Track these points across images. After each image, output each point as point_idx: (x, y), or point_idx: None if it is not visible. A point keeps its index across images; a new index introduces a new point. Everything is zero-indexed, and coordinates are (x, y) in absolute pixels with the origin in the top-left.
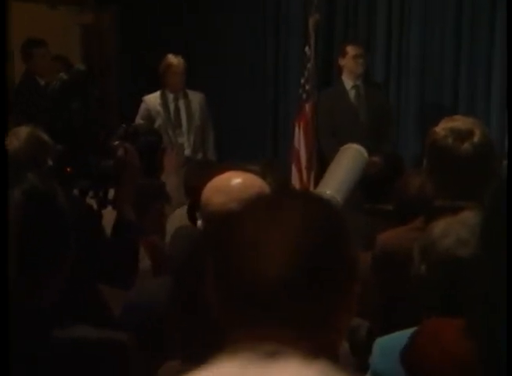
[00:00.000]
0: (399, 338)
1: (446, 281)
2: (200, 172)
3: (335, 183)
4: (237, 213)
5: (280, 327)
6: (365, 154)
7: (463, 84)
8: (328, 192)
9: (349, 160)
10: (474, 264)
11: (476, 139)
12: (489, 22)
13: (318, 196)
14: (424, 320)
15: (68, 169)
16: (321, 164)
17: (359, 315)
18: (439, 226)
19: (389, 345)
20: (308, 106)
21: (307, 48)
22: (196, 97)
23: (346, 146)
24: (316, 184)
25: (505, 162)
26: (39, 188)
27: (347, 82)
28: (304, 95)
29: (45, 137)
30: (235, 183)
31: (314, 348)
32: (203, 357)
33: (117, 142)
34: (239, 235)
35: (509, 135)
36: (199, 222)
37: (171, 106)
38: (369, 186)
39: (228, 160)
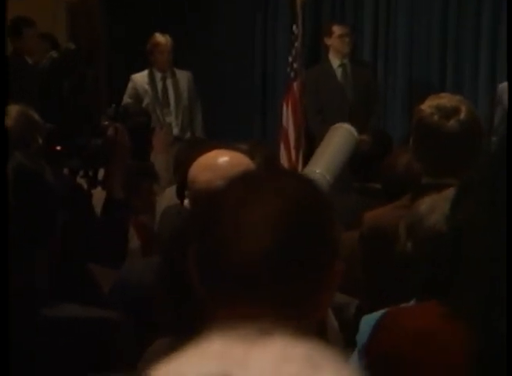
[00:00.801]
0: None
1: (433, 258)
2: (189, 151)
3: (325, 162)
4: (220, 191)
5: (264, 306)
6: (356, 134)
7: (450, 62)
8: (318, 171)
9: (339, 139)
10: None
11: (462, 116)
12: (476, 3)
13: (300, 175)
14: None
15: (58, 148)
16: (309, 142)
17: (348, 292)
18: (425, 203)
19: (373, 322)
20: (296, 85)
21: (294, 28)
22: (183, 76)
23: (336, 125)
24: (305, 163)
25: (494, 138)
26: (27, 166)
27: (334, 61)
28: (292, 74)
29: (36, 116)
30: (222, 161)
31: (298, 325)
32: (193, 334)
33: (106, 122)
34: (221, 213)
35: (508, 127)
36: (186, 201)
37: (159, 85)
38: (358, 165)
39: (216, 139)
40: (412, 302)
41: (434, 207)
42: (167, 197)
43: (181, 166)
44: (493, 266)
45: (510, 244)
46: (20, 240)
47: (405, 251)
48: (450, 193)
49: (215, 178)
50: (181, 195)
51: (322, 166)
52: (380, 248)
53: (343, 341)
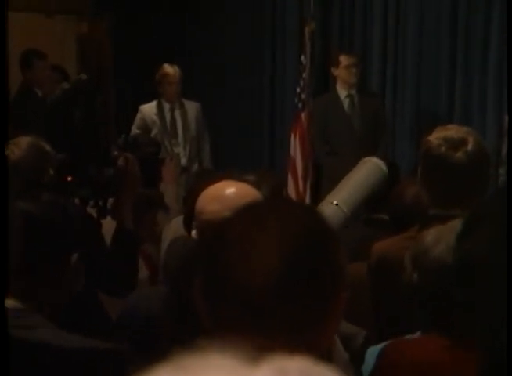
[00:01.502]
0: None
1: (438, 289)
2: (197, 182)
3: (344, 194)
4: (226, 221)
5: (270, 334)
6: (384, 168)
7: (459, 94)
8: (335, 202)
9: (364, 173)
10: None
11: (469, 147)
12: (484, 34)
13: (307, 206)
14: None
15: (69, 178)
16: (316, 173)
17: (356, 323)
18: (430, 235)
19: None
20: (303, 115)
21: (302, 58)
22: (192, 107)
23: (366, 158)
24: (312, 193)
25: (501, 170)
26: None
27: (341, 91)
28: (300, 105)
29: (47, 147)
30: (229, 192)
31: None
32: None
33: (116, 152)
34: (227, 243)
35: (509, 136)
36: (193, 232)
37: (167, 116)
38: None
39: (224, 170)
40: (417, 334)
41: (440, 238)
42: (173, 227)
43: (189, 197)
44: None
45: (511, 249)
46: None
47: (411, 282)
48: (456, 224)
49: (222, 209)
50: (188, 226)
51: (341, 198)
52: (387, 279)
53: (352, 372)
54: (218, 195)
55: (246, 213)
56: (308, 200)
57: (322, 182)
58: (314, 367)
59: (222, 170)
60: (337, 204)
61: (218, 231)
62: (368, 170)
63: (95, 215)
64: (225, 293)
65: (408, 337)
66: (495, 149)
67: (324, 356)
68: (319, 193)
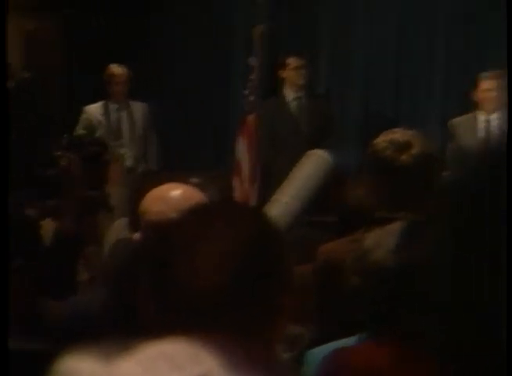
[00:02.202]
0: (328, 349)
1: (378, 293)
2: (143, 182)
3: (293, 190)
4: (173, 222)
5: (215, 335)
6: (330, 159)
7: (406, 97)
8: (285, 200)
9: (310, 166)
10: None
11: (414, 150)
12: (429, 38)
13: (252, 208)
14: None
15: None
16: (263, 175)
17: (300, 324)
18: (370, 238)
19: (319, 356)
20: (251, 118)
21: (251, 59)
22: (138, 107)
23: (309, 152)
24: (259, 196)
25: (445, 173)
26: None
27: (289, 94)
28: (248, 107)
29: None
30: (174, 194)
31: (248, 355)
32: None
33: (59, 152)
34: (174, 244)
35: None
36: (136, 235)
37: (113, 117)
38: (316, 199)
39: (171, 171)
40: (361, 336)
41: (380, 241)
42: (116, 229)
43: (134, 198)
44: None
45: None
46: None
47: (352, 285)
48: (395, 227)
49: (167, 211)
50: (133, 227)
51: (290, 194)
52: (332, 282)
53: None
54: (163, 196)
55: (192, 215)
56: (255, 203)
57: (270, 184)
58: (182, 351)
59: (169, 171)
60: (281, 200)
61: (164, 233)
62: (313, 162)
63: (34, 215)
64: (171, 295)
65: (351, 339)
66: (438, 152)
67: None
68: (266, 196)
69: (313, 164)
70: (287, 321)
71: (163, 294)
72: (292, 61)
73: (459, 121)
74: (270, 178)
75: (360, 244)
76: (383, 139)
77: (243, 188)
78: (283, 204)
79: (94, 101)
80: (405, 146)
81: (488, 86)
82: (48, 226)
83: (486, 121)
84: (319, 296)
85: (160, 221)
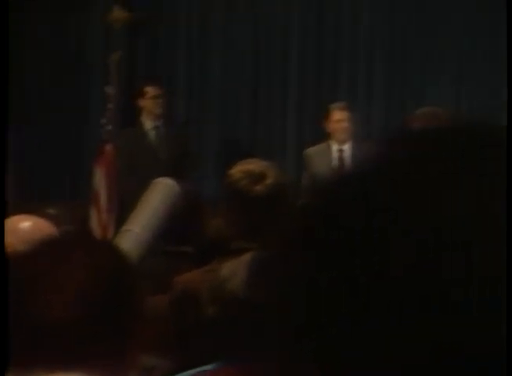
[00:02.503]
0: None
1: (233, 323)
2: None
3: (142, 220)
4: (23, 254)
5: (69, 367)
6: (176, 188)
7: (261, 128)
8: (136, 230)
9: (158, 194)
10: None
11: (269, 180)
12: (284, 69)
13: (105, 242)
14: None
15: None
16: (121, 205)
17: (157, 355)
18: (227, 268)
19: None
20: (108, 148)
21: (107, 87)
22: None
23: (156, 180)
24: (117, 226)
25: (301, 202)
26: None
27: (148, 123)
28: (105, 136)
29: None
30: (23, 226)
31: None
32: None
33: None
34: (25, 277)
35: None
36: None
37: None
38: (169, 228)
39: (27, 202)
40: (216, 364)
41: (235, 271)
42: None
43: None
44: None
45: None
46: None
47: (208, 315)
48: (247, 257)
49: (17, 242)
50: None
51: (139, 224)
52: (188, 312)
53: None
54: (12, 228)
55: (41, 248)
56: (112, 233)
57: (129, 214)
58: None
59: (25, 202)
60: (133, 230)
61: (14, 265)
62: (160, 191)
63: None
64: (25, 327)
65: (208, 366)
66: (295, 181)
67: None
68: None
69: (160, 193)
70: (141, 351)
71: (21, 329)
72: (150, 90)
73: (313, 151)
74: (128, 208)
75: (216, 274)
76: (238, 170)
77: (100, 218)
78: (134, 234)
79: None
80: (259, 177)
81: (339, 117)
82: None
83: (339, 150)
84: (176, 326)
85: (9, 254)
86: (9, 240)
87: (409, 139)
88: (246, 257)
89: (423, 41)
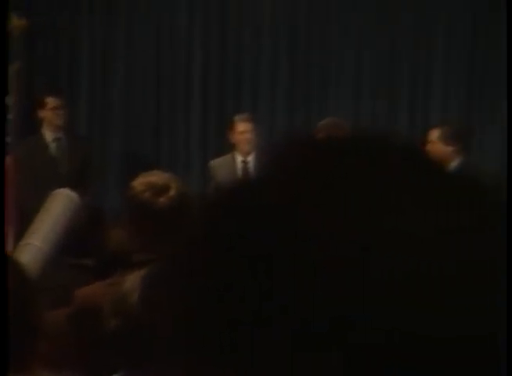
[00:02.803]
0: None
1: (135, 335)
2: None
3: (43, 233)
4: None
5: None
6: (77, 199)
7: (165, 140)
8: (36, 243)
9: (57, 206)
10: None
11: (172, 193)
12: (186, 87)
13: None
14: None
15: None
16: (21, 217)
17: (57, 369)
18: (130, 280)
19: None
20: (8, 160)
21: (7, 98)
22: None
23: (54, 191)
24: (17, 238)
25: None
26: None
27: (48, 134)
28: (6, 148)
29: None
30: None
31: None
32: None
33: None
34: None
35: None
36: None
37: None
38: (70, 241)
39: None
40: None
41: (136, 285)
42: None
43: None
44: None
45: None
46: None
47: (110, 328)
48: (144, 272)
49: None
50: None
51: (39, 238)
52: (89, 325)
53: None
54: None
55: None
56: (11, 246)
57: (28, 227)
58: None
59: None
60: (33, 244)
61: None
62: (61, 202)
63: None
64: None
65: None
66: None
67: None
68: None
69: (60, 205)
70: (42, 366)
71: None
72: (50, 100)
73: (218, 162)
74: (28, 221)
75: (118, 287)
76: (141, 182)
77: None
78: (34, 248)
79: None
80: (163, 189)
81: (242, 128)
82: None
83: (243, 161)
84: (77, 340)
85: None
86: None
87: (302, 147)
88: (144, 271)
89: (325, 54)
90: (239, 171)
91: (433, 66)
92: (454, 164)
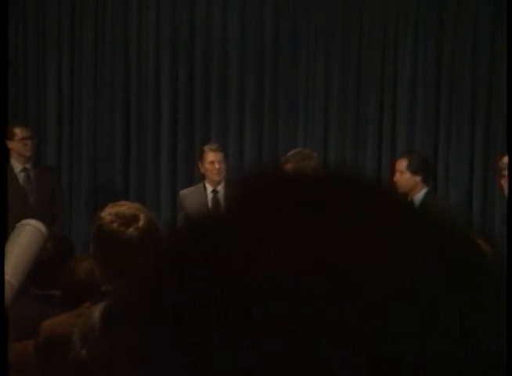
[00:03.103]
0: None
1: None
2: None
3: (11, 266)
4: None
5: None
6: (43, 229)
7: (134, 170)
8: (7, 277)
9: (25, 237)
10: None
11: (141, 223)
12: (155, 117)
13: None
14: None
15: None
16: None
17: None
18: (98, 311)
19: None
20: None
21: None
22: None
23: (22, 222)
24: None
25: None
26: None
27: (16, 165)
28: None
29: None
30: None
31: None
32: None
33: None
34: None
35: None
36: None
37: None
38: (38, 271)
39: None
40: None
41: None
42: None
43: None
44: None
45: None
46: None
47: (79, 358)
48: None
49: None
50: None
51: (7, 270)
52: (56, 357)
53: None
54: None
55: None
56: None
57: None
58: None
59: None
60: (6, 279)
61: None
62: (28, 234)
63: None
64: None
65: None
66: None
67: None
68: None
69: (27, 235)
70: None
71: None
72: (18, 131)
73: (188, 192)
74: None
75: (87, 318)
76: (109, 212)
77: None
78: (6, 282)
79: None
80: (131, 219)
81: (212, 158)
82: None
83: (213, 191)
84: (42, 373)
85: None
86: None
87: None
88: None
89: (292, 87)
90: (210, 202)
91: (399, 94)
92: (421, 194)
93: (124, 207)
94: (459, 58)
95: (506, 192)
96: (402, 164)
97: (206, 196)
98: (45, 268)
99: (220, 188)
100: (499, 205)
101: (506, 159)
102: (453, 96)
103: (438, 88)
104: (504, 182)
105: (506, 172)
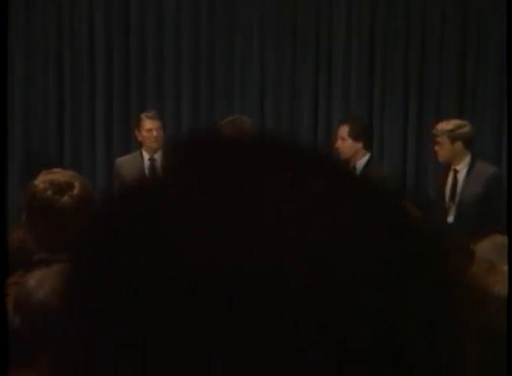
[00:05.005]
0: None
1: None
2: None
3: None
4: None
5: None
6: None
7: (68, 138)
8: None
9: None
10: None
11: (75, 191)
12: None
13: None
14: None
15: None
16: None
17: None
18: (33, 278)
19: None
20: None
21: None
22: None
23: None
24: None
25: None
26: None
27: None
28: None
29: None
30: None
31: None
32: None
33: None
34: None
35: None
36: None
37: None
38: None
39: None
40: None
41: (43, 281)
42: None
43: None
44: None
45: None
46: None
47: (13, 326)
48: (61, 266)
49: None
50: None
51: None
52: None
53: None
54: None
55: None
56: None
57: None
58: None
59: None
60: None
61: None
62: None
63: None
64: None
65: None
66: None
67: None
68: None
69: None
70: None
71: None
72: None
73: (125, 160)
74: None
75: (21, 285)
76: (42, 180)
77: None
78: None
79: None
80: (66, 187)
81: (149, 126)
82: None
83: (150, 159)
84: None
85: None
86: None
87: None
88: (60, 266)
89: (228, 53)
90: (147, 170)
91: (335, 66)
92: (363, 161)
93: (59, 174)
94: (392, 16)
95: (440, 158)
96: (343, 130)
97: (143, 164)
98: None
99: (157, 156)
100: (432, 169)
101: (440, 126)
102: (387, 56)
103: (372, 44)
104: (439, 149)
105: (439, 139)
